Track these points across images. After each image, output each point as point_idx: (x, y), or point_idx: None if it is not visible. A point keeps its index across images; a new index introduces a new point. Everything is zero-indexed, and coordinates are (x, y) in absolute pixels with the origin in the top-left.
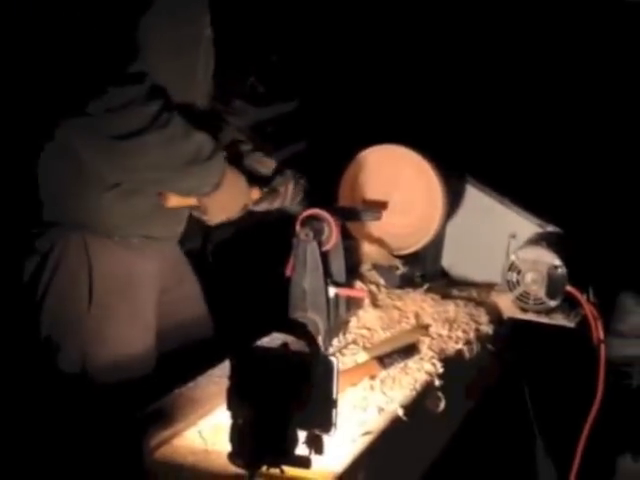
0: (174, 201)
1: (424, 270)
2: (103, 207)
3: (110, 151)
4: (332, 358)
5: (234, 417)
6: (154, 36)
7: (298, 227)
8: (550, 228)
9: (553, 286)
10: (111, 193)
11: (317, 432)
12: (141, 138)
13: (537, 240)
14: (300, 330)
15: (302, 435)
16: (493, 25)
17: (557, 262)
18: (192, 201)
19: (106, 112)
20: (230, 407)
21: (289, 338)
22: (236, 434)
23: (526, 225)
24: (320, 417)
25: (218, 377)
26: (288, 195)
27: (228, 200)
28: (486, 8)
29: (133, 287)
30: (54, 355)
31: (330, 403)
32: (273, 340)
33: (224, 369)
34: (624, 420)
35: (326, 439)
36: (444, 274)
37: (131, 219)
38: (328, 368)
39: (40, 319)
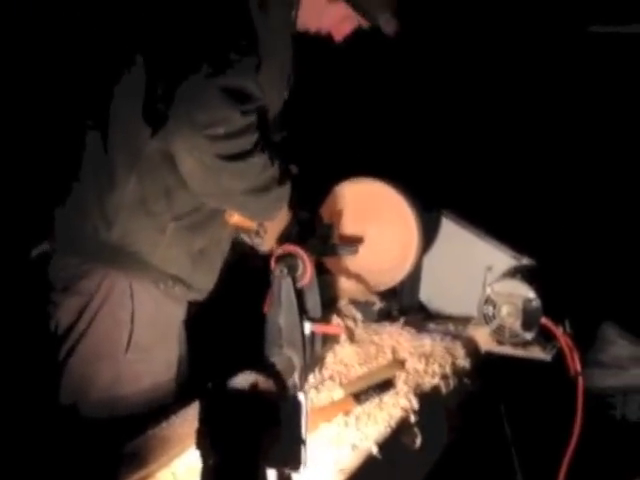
0: (236, 219)
1: (401, 304)
2: (161, 241)
3: (217, 170)
4: (300, 397)
5: (204, 458)
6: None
7: (273, 264)
8: (525, 260)
9: (528, 319)
10: (174, 224)
11: (287, 470)
12: (248, 161)
13: (512, 273)
14: (269, 369)
15: (272, 474)
16: (468, 65)
17: (531, 295)
18: (251, 224)
19: (223, 136)
20: (200, 447)
21: (259, 377)
22: (206, 475)
23: (502, 258)
24: (289, 455)
25: (191, 417)
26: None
27: (280, 224)
28: (459, 50)
29: (171, 336)
30: (83, 393)
31: (299, 441)
32: (244, 379)
33: (197, 409)
34: (608, 450)
35: (296, 477)
36: (422, 308)
37: (181, 259)
38: (296, 407)
39: (73, 357)
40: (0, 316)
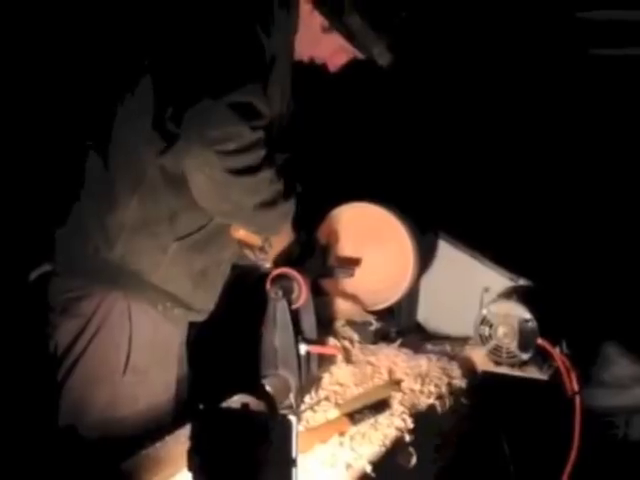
0: (242, 234)
1: (399, 325)
2: (162, 261)
3: (227, 185)
4: (291, 418)
5: (196, 478)
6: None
7: (268, 286)
8: (522, 281)
9: (524, 339)
10: (177, 245)
11: None
12: (257, 175)
13: (508, 294)
14: (261, 390)
15: None
16: (463, 87)
17: (527, 316)
18: (256, 239)
19: (233, 151)
20: (191, 468)
21: (250, 399)
22: None
23: (498, 279)
24: (280, 476)
25: (184, 438)
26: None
27: (284, 240)
28: (453, 70)
29: (169, 358)
30: (80, 414)
31: (290, 462)
32: (235, 401)
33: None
34: (610, 470)
35: None
36: (419, 328)
37: (182, 279)
38: (287, 427)
39: (71, 379)
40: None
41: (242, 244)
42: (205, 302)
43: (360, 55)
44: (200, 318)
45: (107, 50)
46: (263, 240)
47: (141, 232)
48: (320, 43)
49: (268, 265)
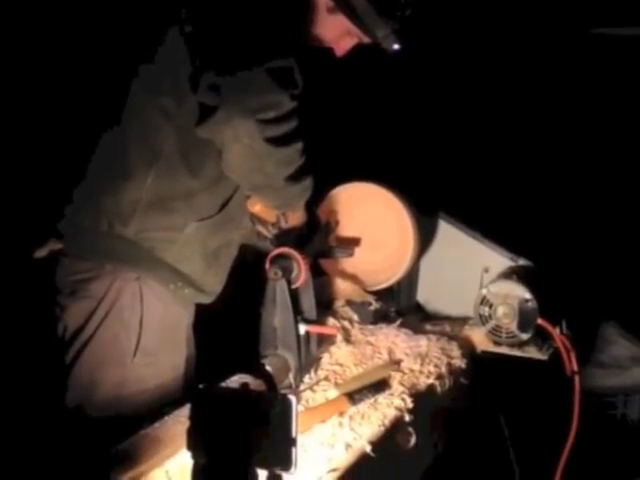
0: (258, 208)
1: (398, 305)
2: (178, 239)
3: (264, 156)
4: (291, 397)
5: (195, 457)
6: None
7: (267, 265)
8: (522, 261)
9: (524, 319)
10: (196, 224)
11: (277, 471)
12: (292, 146)
13: (508, 274)
14: (260, 369)
15: (263, 474)
16: (464, 67)
17: (528, 295)
18: (271, 215)
19: (273, 120)
20: (190, 447)
21: (250, 378)
22: (197, 474)
23: (498, 259)
24: (280, 456)
25: (184, 417)
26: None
27: (300, 216)
28: (456, 53)
29: (178, 339)
30: (88, 395)
31: (289, 441)
32: (235, 380)
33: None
34: (609, 450)
35: (287, 478)
36: (419, 309)
37: (195, 259)
38: (286, 407)
39: (80, 361)
40: (5, 317)
41: (256, 219)
42: (215, 284)
43: (365, 39)
44: (208, 300)
45: (124, 22)
46: (281, 215)
47: (156, 208)
48: (326, 25)
49: (275, 243)
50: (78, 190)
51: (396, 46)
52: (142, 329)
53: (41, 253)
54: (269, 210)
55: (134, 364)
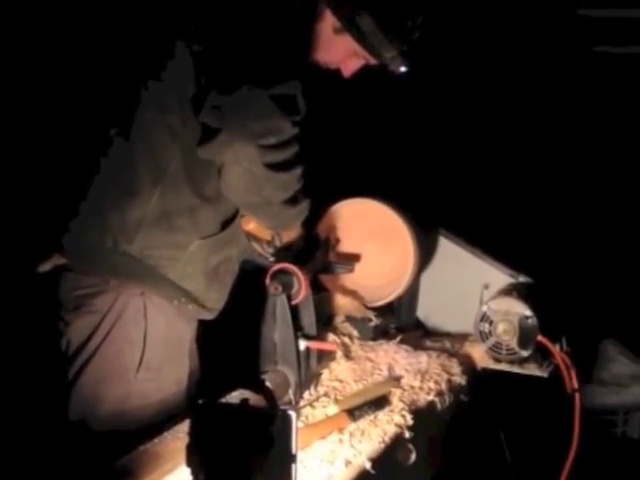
0: (252, 226)
1: (399, 321)
2: (181, 257)
3: (263, 180)
4: (291, 413)
5: (195, 474)
6: None
7: (268, 281)
8: (522, 278)
9: (524, 336)
10: (199, 242)
11: None
12: (291, 172)
13: (508, 291)
14: (260, 385)
15: None
16: (463, 84)
17: (528, 312)
18: (266, 233)
19: (273, 146)
20: (189, 464)
21: (250, 394)
22: None
23: (498, 276)
24: (280, 472)
25: (184, 433)
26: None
27: (294, 234)
28: (454, 68)
29: (182, 354)
30: (91, 410)
31: (289, 458)
32: (235, 396)
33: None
34: (609, 468)
35: None
36: (420, 325)
37: (197, 276)
38: (286, 423)
39: (83, 376)
40: (9, 331)
41: (251, 237)
42: (217, 301)
43: (372, 60)
44: (210, 317)
45: (134, 35)
46: (273, 234)
47: (161, 225)
48: (333, 45)
49: (272, 260)
50: (84, 205)
51: (403, 68)
52: (146, 344)
53: (45, 267)
54: (263, 229)
55: (138, 379)
